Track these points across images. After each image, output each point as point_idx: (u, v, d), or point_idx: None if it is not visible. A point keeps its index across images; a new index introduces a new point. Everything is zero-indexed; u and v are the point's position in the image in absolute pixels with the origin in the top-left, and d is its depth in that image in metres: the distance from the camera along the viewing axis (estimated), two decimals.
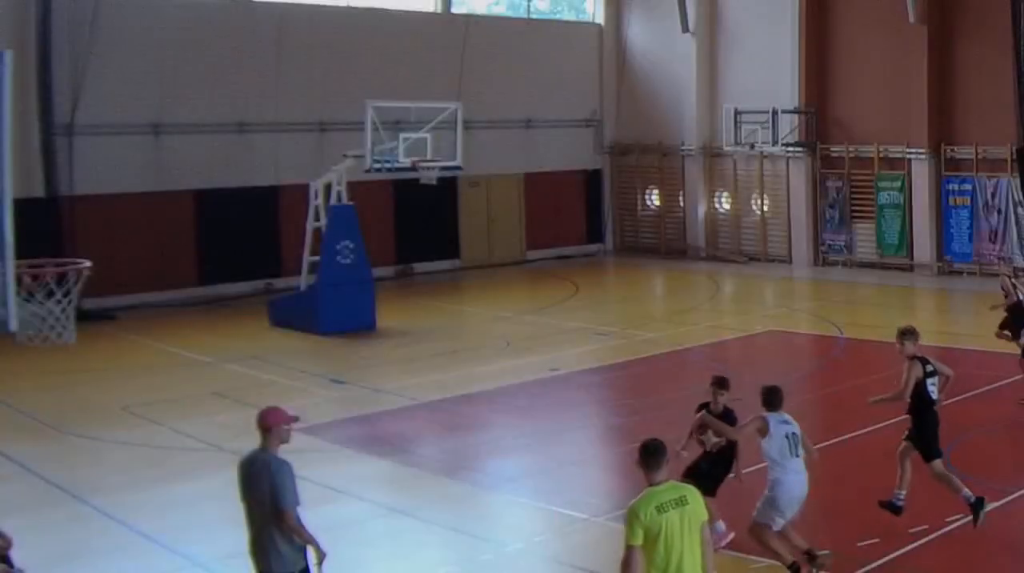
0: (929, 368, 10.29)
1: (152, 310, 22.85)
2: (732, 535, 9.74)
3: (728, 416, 9.64)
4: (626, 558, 6.43)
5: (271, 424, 7.34)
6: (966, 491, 10.04)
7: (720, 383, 9.71)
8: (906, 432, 10.46)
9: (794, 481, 8.83)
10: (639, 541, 6.42)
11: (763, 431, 8.92)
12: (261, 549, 7.17)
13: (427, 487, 11.81)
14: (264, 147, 25.40)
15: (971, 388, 15.43)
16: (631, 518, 6.46)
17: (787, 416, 8.99)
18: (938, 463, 10.28)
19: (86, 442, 13.79)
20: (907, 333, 10.41)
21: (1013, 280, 16.13)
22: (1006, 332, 15.35)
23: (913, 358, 10.29)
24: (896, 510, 10.25)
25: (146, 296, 23.40)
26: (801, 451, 8.94)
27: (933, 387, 10.33)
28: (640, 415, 14.69)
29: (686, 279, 28.32)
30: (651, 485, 6.60)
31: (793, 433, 8.88)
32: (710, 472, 9.65)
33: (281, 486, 7.12)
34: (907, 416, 10.40)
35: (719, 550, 9.14)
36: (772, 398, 9.05)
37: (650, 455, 6.64)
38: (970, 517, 10.00)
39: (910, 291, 25.14)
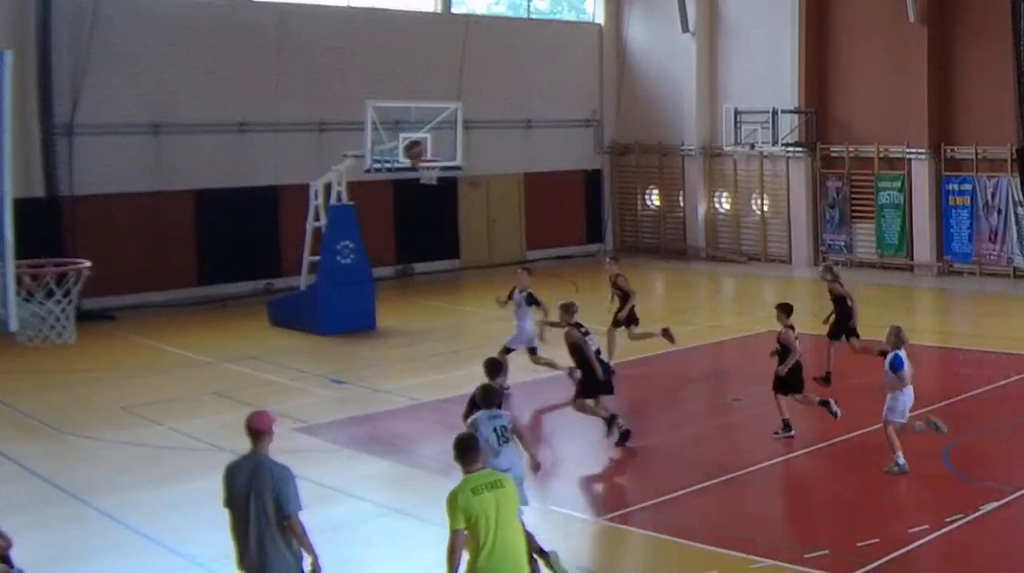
0: (583, 330, 13.03)
1: (152, 310, 22.85)
2: None
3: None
4: (451, 542, 6.85)
5: (265, 428, 7.25)
6: (604, 414, 12.98)
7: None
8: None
9: (498, 465, 8.83)
10: (461, 525, 6.82)
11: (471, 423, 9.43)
12: (263, 558, 7.08)
13: (427, 487, 11.79)
14: (264, 147, 25.40)
15: (971, 388, 15.46)
16: (450, 504, 6.88)
17: (498, 411, 9.45)
18: (590, 402, 13.12)
19: (86, 442, 13.78)
20: (567, 308, 13.21)
21: (622, 276, 17.63)
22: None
23: (571, 327, 12.96)
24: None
25: (146, 296, 23.40)
26: (510, 438, 9.41)
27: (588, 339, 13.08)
28: (640, 415, 14.68)
29: (686, 279, 28.32)
30: (466, 474, 7.04)
31: (502, 426, 9.35)
32: None
33: (286, 491, 7.09)
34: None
35: None
36: (485, 397, 9.54)
37: (466, 450, 7.14)
38: (970, 516, 10.07)
39: (910, 291, 25.14)
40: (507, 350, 15.72)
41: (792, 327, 13.35)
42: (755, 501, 11.43)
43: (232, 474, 7.22)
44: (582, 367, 13.11)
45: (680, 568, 9.69)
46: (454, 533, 6.85)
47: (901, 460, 11.77)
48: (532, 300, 16.17)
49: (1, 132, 6.48)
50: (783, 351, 13.21)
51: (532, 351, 16.17)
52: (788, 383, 13.24)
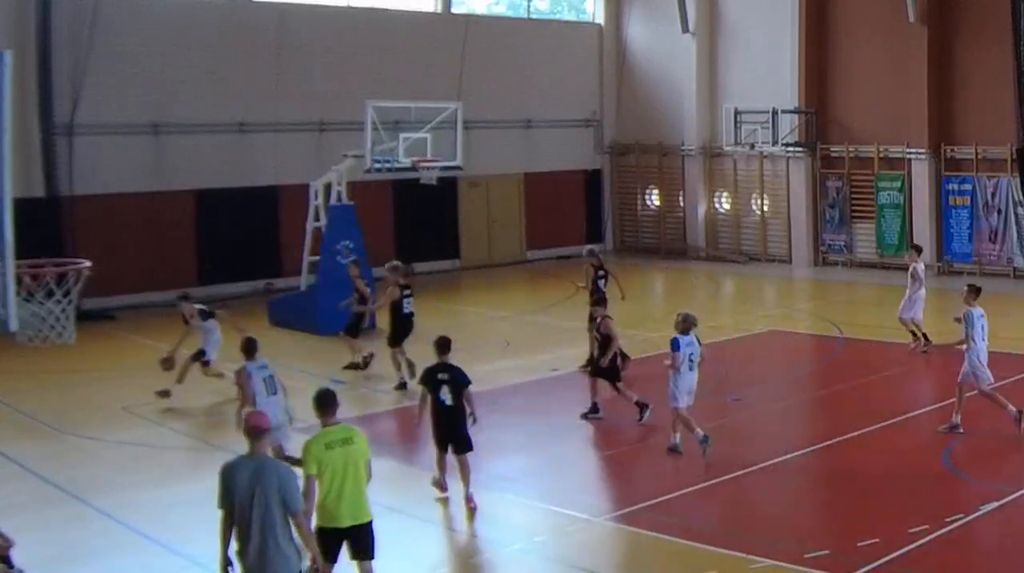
0: (407, 292, 15.78)
1: (152, 310, 22.81)
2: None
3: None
4: (305, 487, 7.81)
5: (266, 428, 7.39)
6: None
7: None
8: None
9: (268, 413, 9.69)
10: (313, 471, 7.92)
11: (241, 375, 11.07)
12: (263, 557, 7.13)
13: (427, 487, 11.79)
14: (264, 147, 25.39)
15: (971, 388, 15.42)
16: (306, 453, 7.99)
17: (264, 362, 11.15)
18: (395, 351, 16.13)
19: (86, 442, 13.79)
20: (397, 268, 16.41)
21: (360, 279, 18.08)
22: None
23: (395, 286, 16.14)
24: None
25: (146, 296, 23.37)
26: (278, 389, 11.12)
27: (407, 301, 15.93)
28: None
29: (686, 279, 28.30)
30: (324, 426, 8.13)
31: (270, 376, 11.03)
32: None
33: (293, 489, 7.25)
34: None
35: None
36: (250, 348, 11.21)
37: (324, 404, 8.19)
38: (970, 516, 10.04)
39: None
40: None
41: (609, 318, 14.24)
42: (755, 501, 11.42)
43: (232, 474, 7.24)
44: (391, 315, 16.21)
45: (680, 568, 9.69)
46: (308, 478, 7.91)
47: (676, 440, 12.55)
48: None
49: (1, 132, 6.48)
50: (604, 341, 13.98)
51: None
52: (607, 372, 14.05)
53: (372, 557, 8.39)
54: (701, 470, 12.05)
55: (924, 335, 18.01)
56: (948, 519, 10.13)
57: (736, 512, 11.00)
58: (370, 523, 8.26)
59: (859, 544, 9.62)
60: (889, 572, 9.13)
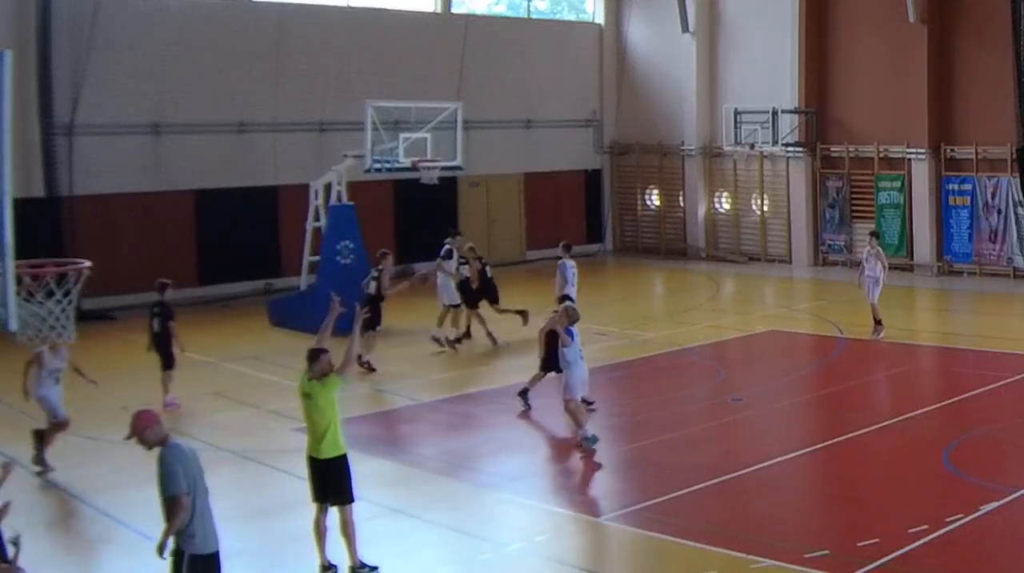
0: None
1: None
2: None
3: None
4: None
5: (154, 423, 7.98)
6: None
7: None
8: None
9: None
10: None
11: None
12: (212, 521, 7.58)
13: (427, 487, 11.81)
14: (264, 147, 25.39)
15: (971, 388, 15.46)
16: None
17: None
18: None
19: (86, 442, 13.78)
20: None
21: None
22: None
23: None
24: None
25: (146, 296, 23.25)
26: None
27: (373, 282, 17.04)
28: (640, 415, 14.69)
29: (686, 279, 28.30)
30: (308, 380, 9.54)
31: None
32: None
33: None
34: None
35: None
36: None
37: (308, 359, 9.67)
38: (970, 516, 10.05)
39: (910, 291, 25.12)
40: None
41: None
42: (755, 501, 11.42)
43: (183, 455, 7.66)
44: None
45: (680, 568, 9.69)
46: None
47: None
48: None
49: (1, 132, 6.48)
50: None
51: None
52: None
53: (343, 502, 9.26)
54: (701, 470, 12.05)
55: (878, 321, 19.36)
56: (948, 519, 10.12)
57: (736, 512, 10.99)
58: (333, 460, 9.24)
59: (859, 544, 9.61)
60: (889, 572, 9.13)
